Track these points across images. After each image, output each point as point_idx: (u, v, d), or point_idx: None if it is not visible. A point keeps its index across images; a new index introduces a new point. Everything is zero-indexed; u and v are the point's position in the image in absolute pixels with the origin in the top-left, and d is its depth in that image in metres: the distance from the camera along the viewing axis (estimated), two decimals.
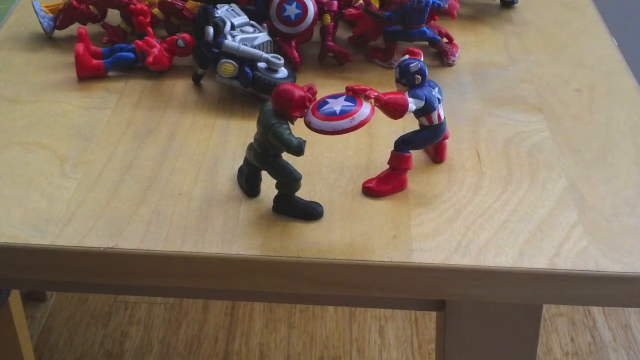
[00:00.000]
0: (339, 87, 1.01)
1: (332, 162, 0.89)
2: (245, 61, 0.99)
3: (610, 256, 0.78)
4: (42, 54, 1.09)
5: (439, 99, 0.86)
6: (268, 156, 0.82)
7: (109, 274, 0.80)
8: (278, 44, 1.05)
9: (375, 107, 0.81)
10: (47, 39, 1.13)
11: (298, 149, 0.78)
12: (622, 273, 0.76)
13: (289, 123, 0.80)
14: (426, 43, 1.09)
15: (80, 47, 1.02)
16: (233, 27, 1.02)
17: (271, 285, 0.79)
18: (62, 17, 1.12)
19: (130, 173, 0.88)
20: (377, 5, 1.08)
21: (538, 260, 0.77)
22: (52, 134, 0.93)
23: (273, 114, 0.79)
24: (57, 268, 0.80)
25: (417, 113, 0.85)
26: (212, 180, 0.87)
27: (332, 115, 0.79)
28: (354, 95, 0.81)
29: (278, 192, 0.83)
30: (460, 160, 0.90)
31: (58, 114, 0.97)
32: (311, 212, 0.82)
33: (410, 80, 0.84)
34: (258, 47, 1.01)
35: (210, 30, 0.99)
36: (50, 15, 1.12)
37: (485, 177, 0.88)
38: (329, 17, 1.08)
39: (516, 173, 0.88)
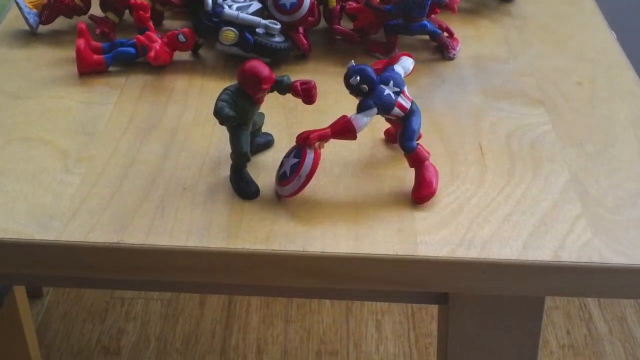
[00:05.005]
0: (342, 75, 1.02)
1: (336, 157, 0.89)
2: (245, 28, 1.03)
3: (614, 248, 0.78)
4: (42, 49, 1.09)
5: (396, 92, 0.83)
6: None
7: (113, 269, 0.80)
8: (285, 31, 1.06)
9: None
10: (47, 35, 1.12)
11: (215, 111, 0.81)
12: (626, 265, 0.77)
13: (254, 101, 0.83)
14: (427, 37, 1.09)
15: (81, 42, 1.02)
16: None
17: (276, 279, 0.79)
18: (48, 11, 1.11)
19: (134, 168, 0.87)
20: None
21: (542, 253, 0.77)
22: (55, 130, 0.93)
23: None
24: (62, 264, 0.80)
25: (382, 116, 0.84)
26: (216, 175, 0.87)
27: (284, 180, 0.83)
28: (300, 146, 0.82)
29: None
30: (463, 154, 0.90)
31: (60, 110, 0.97)
32: (242, 191, 0.84)
33: (359, 92, 0.83)
34: (253, 14, 1.05)
35: (209, 0, 1.03)
36: (35, 10, 1.12)
37: (488, 171, 0.88)
38: (334, 1, 1.09)
39: (519, 166, 0.88)
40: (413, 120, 0.85)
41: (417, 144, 0.84)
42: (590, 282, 0.78)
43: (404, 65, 0.87)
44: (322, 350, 1.70)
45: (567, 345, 1.72)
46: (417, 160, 0.84)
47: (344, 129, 0.82)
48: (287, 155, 0.84)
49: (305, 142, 0.82)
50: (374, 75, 0.82)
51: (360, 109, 0.82)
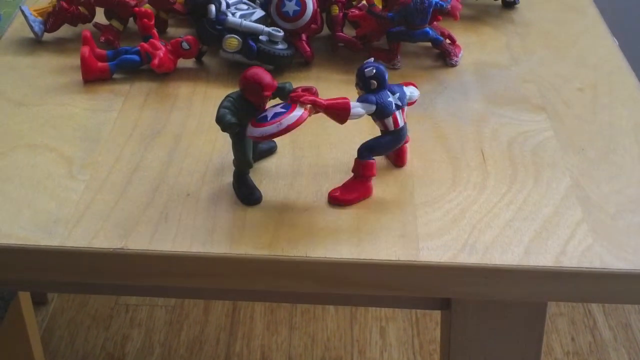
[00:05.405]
0: (346, 82, 1.03)
1: (338, 163, 0.90)
2: (248, 35, 1.04)
3: (615, 254, 0.78)
4: (47, 57, 1.10)
5: (397, 105, 0.84)
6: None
7: (118, 275, 0.80)
8: (288, 39, 1.07)
9: (321, 112, 0.82)
10: (51, 43, 1.13)
11: (217, 119, 0.82)
12: (628, 270, 0.77)
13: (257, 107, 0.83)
14: (429, 44, 1.10)
15: (85, 50, 1.02)
16: (228, 5, 1.07)
17: (279, 284, 0.80)
18: (53, 19, 1.12)
19: (138, 174, 0.88)
20: (380, 6, 1.08)
21: (544, 258, 0.77)
22: (59, 137, 0.94)
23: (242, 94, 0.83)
24: (66, 269, 0.80)
25: (374, 118, 0.84)
26: (219, 181, 0.87)
27: (262, 122, 0.81)
28: (293, 102, 0.82)
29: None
30: (465, 160, 0.91)
31: (64, 117, 0.98)
32: (245, 197, 0.84)
33: (366, 85, 0.83)
34: (256, 22, 1.06)
35: (213, 8, 1.04)
36: (40, 18, 1.13)
37: (490, 176, 0.88)
38: (337, 8, 1.09)
39: (521, 172, 0.89)
40: (391, 139, 0.85)
41: (373, 159, 0.85)
42: (591, 288, 0.78)
43: (412, 92, 0.87)
44: (327, 356, 1.70)
45: (572, 352, 1.72)
46: (362, 170, 0.85)
47: (339, 107, 0.82)
48: (274, 107, 0.83)
49: (298, 99, 0.82)
50: (386, 76, 0.83)
51: (362, 100, 0.83)
